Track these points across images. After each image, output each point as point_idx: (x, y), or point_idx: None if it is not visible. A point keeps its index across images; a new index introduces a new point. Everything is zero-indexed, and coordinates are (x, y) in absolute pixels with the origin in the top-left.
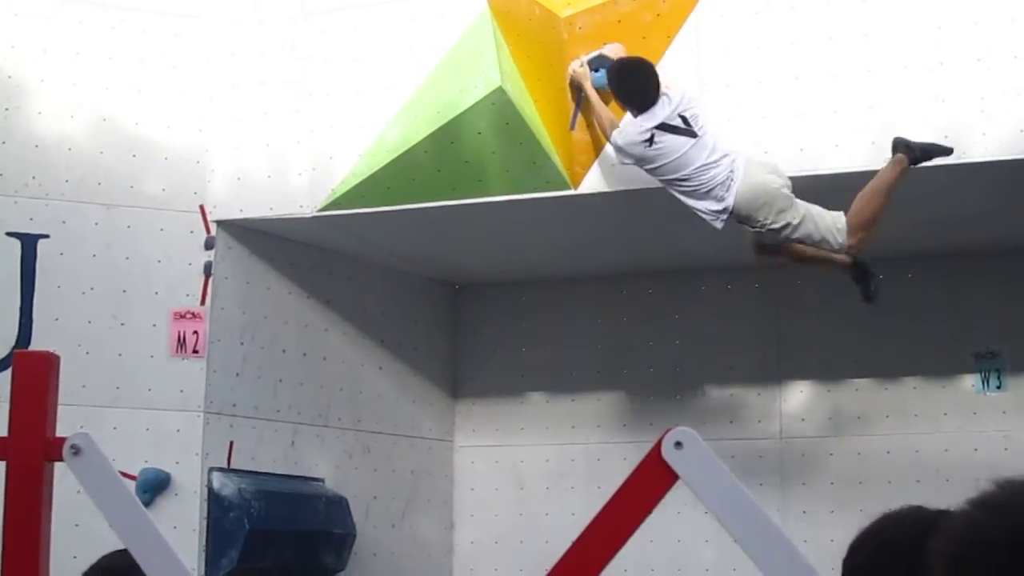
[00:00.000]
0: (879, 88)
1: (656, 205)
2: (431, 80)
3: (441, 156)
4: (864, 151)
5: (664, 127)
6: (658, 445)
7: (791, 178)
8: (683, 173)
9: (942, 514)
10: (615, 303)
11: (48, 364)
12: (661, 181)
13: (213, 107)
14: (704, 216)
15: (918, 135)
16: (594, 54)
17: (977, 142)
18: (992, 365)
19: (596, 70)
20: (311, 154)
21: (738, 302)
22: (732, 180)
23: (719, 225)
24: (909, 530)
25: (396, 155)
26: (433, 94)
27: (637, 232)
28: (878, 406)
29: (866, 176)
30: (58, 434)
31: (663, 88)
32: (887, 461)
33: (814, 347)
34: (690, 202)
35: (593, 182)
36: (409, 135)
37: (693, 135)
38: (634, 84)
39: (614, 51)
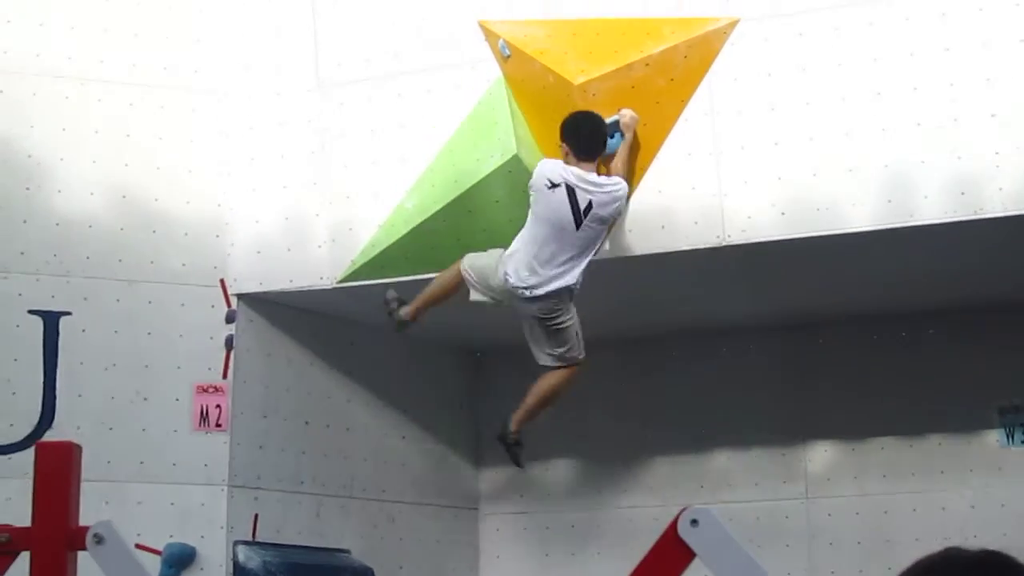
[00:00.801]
0: (894, 146)
1: (677, 268)
2: (447, 150)
3: (459, 225)
4: (880, 209)
5: (571, 191)
6: (674, 523)
7: (812, 237)
8: (540, 233)
9: (984, 558)
10: (637, 366)
11: (69, 454)
12: (529, 217)
13: (231, 181)
14: (508, 279)
15: (933, 192)
16: (611, 119)
17: (993, 197)
18: (1016, 419)
19: (611, 135)
20: (330, 225)
21: (761, 363)
22: (564, 285)
23: (523, 294)
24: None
25: (414, 225)
26: (450, 163)
27: (658, 295)
28: (903, 463)
29: (883, 234)
30: (83, 509)
31: (615, 179)
32: (914, 519)
33: (838, 406)
34: (513, 260)
35: (613, 247)
36: (427, 205)
37: (578, 223)
38: (585, 129)
39: (627, 116)
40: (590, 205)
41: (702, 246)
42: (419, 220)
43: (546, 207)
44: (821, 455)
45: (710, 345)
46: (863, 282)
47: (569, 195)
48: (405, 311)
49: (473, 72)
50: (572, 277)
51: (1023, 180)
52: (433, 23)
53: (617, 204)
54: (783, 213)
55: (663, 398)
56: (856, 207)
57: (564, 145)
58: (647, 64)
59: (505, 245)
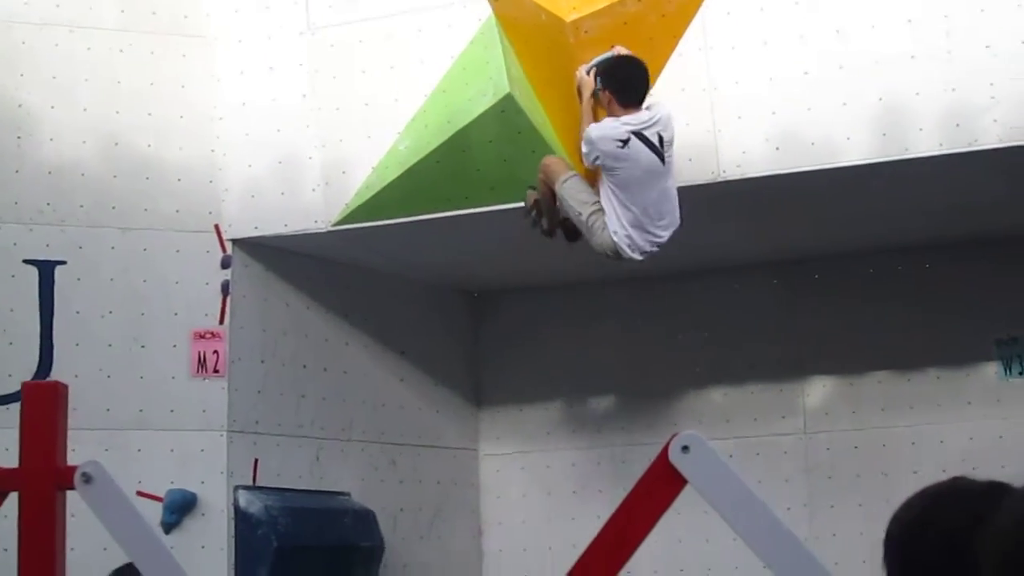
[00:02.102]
0: (888, 79)
1: None
2: (440, 90)
3: (453, 165)
4: (875, 142)
5: (641, 136)
6: (665, 450)
7: (806, 172)
8: (634, 190)
9: (990, 489)
10: (634, 305)
11: (56, 393)
12: (611, 189)
13: (224, 126)
14: (619, 243)
15: (928, 123)
16: (604, 56)
17: (988, 128)
18: (1014, 351)
19: None
20: (323, 169)
21: (757, 298)
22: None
23: (637, 256)
24: (970, 512)
25: (408, 166)
26: (442, 104)
27: None
28: (901, 397)
29: (878, 167)
30: (82, 457)
31: (655, 104)
32: (912, 452)
33: (835, 341)
34: (616, 223)
35: None
36: (420, 146)
37: (662, 158)
38: (628, 75)
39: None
40: (660, 137)
41: (697, 182)
42: (413, 161)
43: (634, 165)
44: (819, 390)
45: (706, 282)
46: (858, 216)
47: (643, 140)
48: (545, 225)
49: (464, 11)
50: (676, 210)
51: (1018, 111)
52: None
53: (672, 120)
54: (777, 148)
55: (660, 336)
56: (850, 141)
57: (606, 93)
58: (639, 0)
59: (499, 185)
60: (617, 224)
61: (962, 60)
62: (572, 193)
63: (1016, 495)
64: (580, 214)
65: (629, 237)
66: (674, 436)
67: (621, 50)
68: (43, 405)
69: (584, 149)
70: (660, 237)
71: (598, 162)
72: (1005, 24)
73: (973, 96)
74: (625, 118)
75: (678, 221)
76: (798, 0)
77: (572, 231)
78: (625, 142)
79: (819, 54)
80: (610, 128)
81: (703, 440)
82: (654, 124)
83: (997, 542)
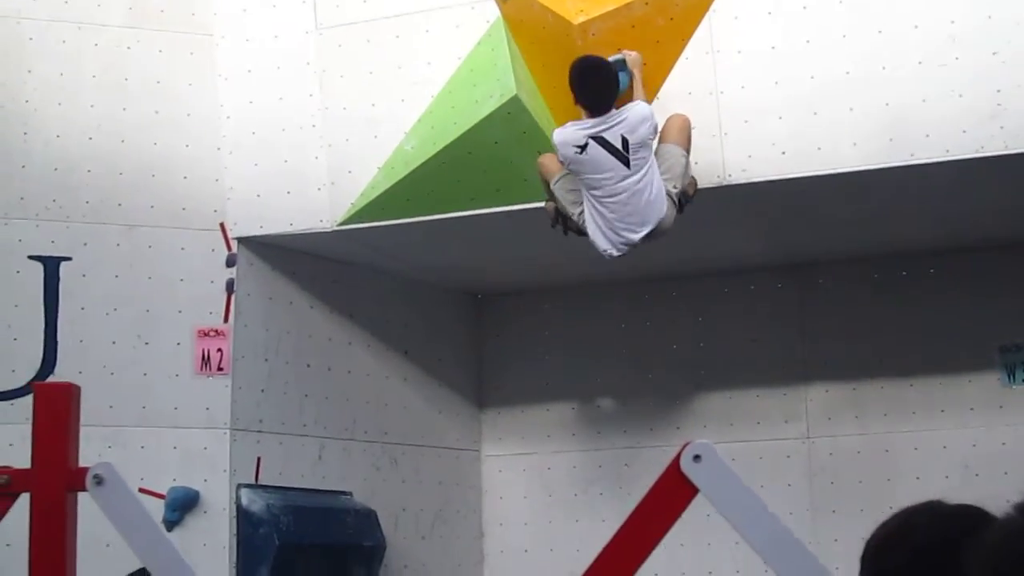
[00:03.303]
0: (895, 84)
1: None
2: (446, 91)
3: (459, 166)
4: (881, 148)
5: (601, 140)
6: (677, 459)
7: (812, 177)
8: (601, 192)
9: (964, 511)
10: (638, 307)
11: (68, 395)
12: (584, 190)
13: (230, 124)
14: (613, 254)
15: (935, 130)
16: (611, 59)
17: (995, 135)
18: (1017, 358)
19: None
20: (329, 168)
21: (761, 303)
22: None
23: (613, 253)
24: (942, 531)
25: (414, 167)
26: (449, 105)
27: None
28: (904, 403)
29: (884, 173)
30: (86, 453)
31: (631, 104)
32: (915, 457)
33: (838, 346)
34: (592, 226)
35: None
36: (427, 147)
37: (626, 162)
38: (590, 84)
39: (632, 57)
40: (624, 139)
41: (703, 186)
42: (419, 162)
43: (594, 168)
44: (822, 394)
45: (711, 285)
46: (863, 221)
47: (602, 144)
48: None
49: (472, 12)
50: (660, 205)
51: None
52: None
53: (646, 121)
54: (783, 153)
55: (664, 338)
56: (857, 146)
57: (578, 105)
58: (647, 3)
59: (505, 187)
60: (591, 223)
61: (969, 66)
62: (562, 193)
63: (1007, 516)
64: (572, 213)
65: (603, 236)
66: (686, 445)
67: (628, 53)
68: (55, 406)
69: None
70: (629, 238)
71: (569, 165)
72: (1012, 31)
73: (980, 103)
74: (586, 122)
75: (653, 221)
76: (805, 5)
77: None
78: (583, 147)
79: (826, 59)
80: (569, 133)
81: (715, 450)
82: (616, 126)
83: (988, 557)
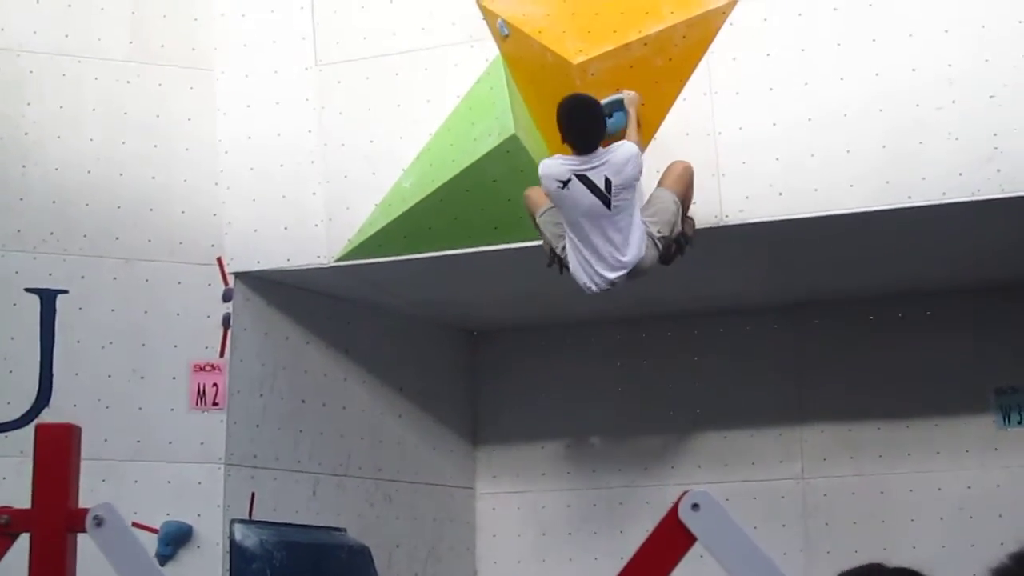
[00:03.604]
0: (892, 127)
1: None
2: (445, 129)
3: (457, 204)
4: (878, 190)
5: (584, 179)
6: (675, 507)
7: (809, 218)
8: (577, 230)
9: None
10: (634, 346)
11: (70, 436)
12: (565, 224)
13: (229, 159)
14: (575, 275)
15: (931, 172)
16: (610, 99)
17: (991, 178)
18: (1013, 400)
19: (610, 115)
20: (327, 204)
21: (757, 343)
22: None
23: (592, 288)
24: None
25: (412, 204)
26: (448, 143)
27: (653, 274)
28: (900, 444)
29: (881, 215)
30: (80, 486)
31: (617, 144)
32: (910, 499)
33: (834, 386)
34: (574, 261)
35: None
36: (425, 184)
37: (607, 203)
38: (577, 123)
39: (630, 97)
40: (608, 181)
41: (700, 226)
42: (417, 199)
43: (574, 206)
44: (817, 435)
45: (707, 324)
46: (860, 263)
47: (584, 183)
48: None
49: (471, 51)
50: (635, 248)
51: (1020, 161)
52: (431, 1)
53: (631, 163)
54: (780, 193)
55: (660, 377)
56: (854, 187)
57: (565, 143)
58: (646, 43)
59: (503, 226)
60: (572, 258)
61: (966, 110)
62: (548, 226)
63: (1001, 565)
64: (556, 247)
65: (583, 271)
66: (684, 493)
67: (626, 92)
68: (56, 447)
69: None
70: (605, 277)
71: (551, 198)
72: (1008, 75)
73: (976, 146)
74: (572, 158)
75: (631, 262)
76: (803, 47)
77: None
78: (565, 183)
79: (823, 100)
80: (554, 167)
81: (714, 499)
82: (600, 167)
83: None
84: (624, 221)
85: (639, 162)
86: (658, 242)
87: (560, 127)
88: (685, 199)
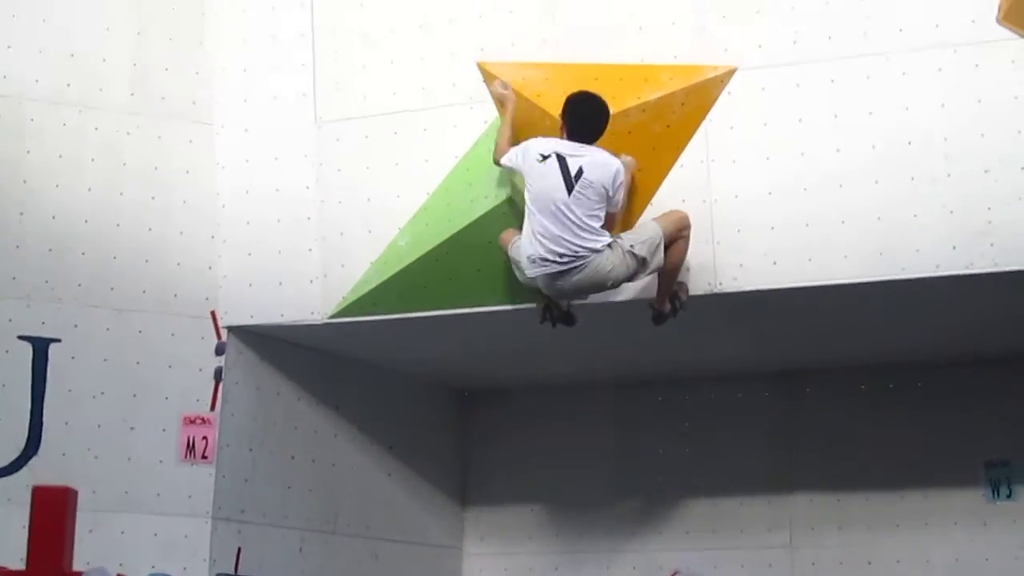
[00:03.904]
0: (887, 199)
1: None
2: (442, 189)
3: (451, 265)
4: (872, 261)
5: (562, 160)
6: None
7: (800, 288)
8: (536, 207)
9: None
10: (625, 410)
11: (66, 499)
12: (527, 202)
13: (226, 213)
14: (522, 253)
15: (925, 245)
16: None
17: (985, 252)
18: (1003, 474)
19: None
20: (323, 260)
21: (748, 410)
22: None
23: (529, 273)
24: None
25: (407, 263)
26: (444, 203)
27: (647, 340)
28: (888, 515)
29: (874, 286)
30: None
31: (609, 152)
32: (898, 570)
33: (824, 455)
34: (527, 231)
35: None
36: (420, 243)
37: (569, 188)
38: (580, 111)
39: (627, 161)
40: (580, 170)
41: (693, 293)
42: (412, 258)
43: (539, 179)
44: (806, 504)
45: (696, 390)
46: (852, 332)
47: (560, 163)
48: (556, 315)
49: (470, 112)
50: (579, 244)
51: (1014, 236)
52: (431, 62)
53: (612, 176)
54: (775, 263)
55: (648, 441)
56: (848, 258)
57: (561, 122)
58: (644, 110)
59: (497, 287)
60: (527, 230)
61: (960, 183)
62: (516, 257)
63: None
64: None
65: (533, 241)
66: (674, 574)
67: (624, 157)
68: (52, 509)
69: (505, 160)
70: (548, 264)
71: (516, 171)
72: (1004, 149)
73: (970, 220)
74: (562, 141)
75: (574, 259)
76: (801, 118)
77: (569, 316)
78: (545, 157)
79: (820, 171)
80: (543, 142)
81: None
82: (580, 156)
83: None
84: (576, 217)
85: (619, 178)
86: (629, 255)
87: (564, 110)
88: (671, 238)
